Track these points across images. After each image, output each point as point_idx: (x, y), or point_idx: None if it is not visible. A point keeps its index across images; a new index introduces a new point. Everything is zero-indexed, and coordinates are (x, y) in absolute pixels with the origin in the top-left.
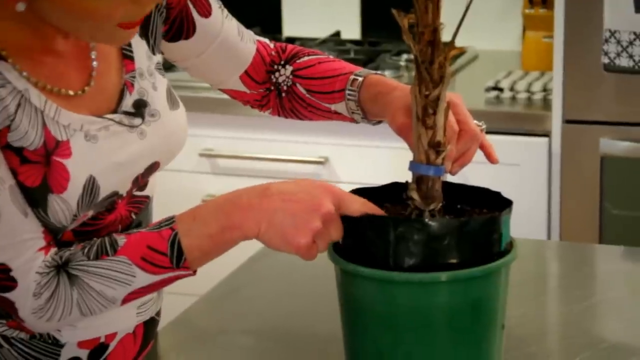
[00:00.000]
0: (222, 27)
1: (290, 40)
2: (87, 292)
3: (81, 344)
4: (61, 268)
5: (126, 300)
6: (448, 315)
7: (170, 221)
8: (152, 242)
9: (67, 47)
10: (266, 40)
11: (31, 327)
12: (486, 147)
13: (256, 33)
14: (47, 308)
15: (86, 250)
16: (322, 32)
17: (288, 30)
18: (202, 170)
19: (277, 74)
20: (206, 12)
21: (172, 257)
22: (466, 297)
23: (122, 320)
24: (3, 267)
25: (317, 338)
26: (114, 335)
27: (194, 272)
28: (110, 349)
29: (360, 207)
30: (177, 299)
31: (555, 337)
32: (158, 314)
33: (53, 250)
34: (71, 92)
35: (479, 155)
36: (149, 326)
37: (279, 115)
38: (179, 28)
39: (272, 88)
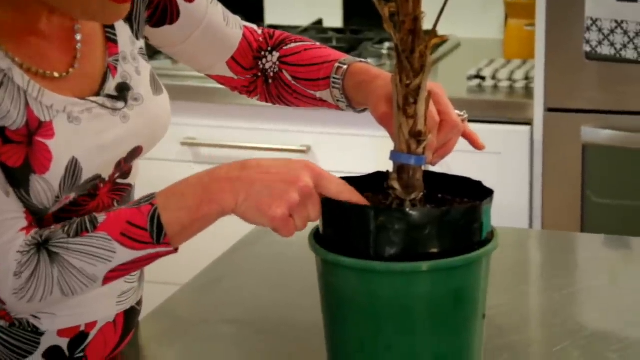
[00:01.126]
0: (206, 12)
1: (273, 28)
2: (68, 269)
3: (61, 332)
4: (41, 246)
5: (107, 278)
6: (429, 305)
7: (149, 197)
8: (131, 218)
9: (51, 28)
10: (254, 26)
11: (12, 309)
12: (470, 135)
13: None
14: (27, 288)
15: (66, 228)
16: (305, 21)
17: (270, 19)
18: (185, 159)
19: (264, 60)
20: None
21: (152, 231)
22: (447, 287)
23: (102, 309)
24: None
25: (298, 328)
26: (94, 324)
27: (176, 249)
28: (91, 337)
29: (338, 187)
30: (159, 288)
31: (536, 325)
32: (139, 303)
33: (34, 230)
34: (56, 74)
35: (460, 144)
36: (130, 315)
37: (266, 101)
38: (163, 13)
39: (260, 74)
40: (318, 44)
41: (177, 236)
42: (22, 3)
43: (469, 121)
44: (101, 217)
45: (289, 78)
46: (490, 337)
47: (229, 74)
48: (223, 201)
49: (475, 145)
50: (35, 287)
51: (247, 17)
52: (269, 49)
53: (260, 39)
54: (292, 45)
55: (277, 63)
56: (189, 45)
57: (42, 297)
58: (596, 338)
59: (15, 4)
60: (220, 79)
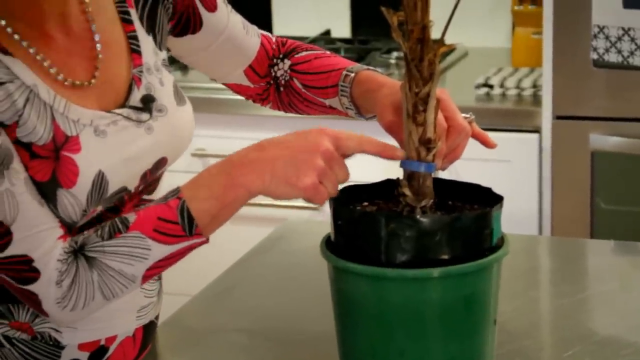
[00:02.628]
0: (228, 21)
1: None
2: (107, 272)
3: (82, 346)
4: (78, 252)
5: (146, 277)
6: (440, 311)
7: (175, 192)
8: (161, 213)
9: (68, 37)
10: (269, 35)
11: (56, 320)
12: (479, 135)
13: None
14: (69, 296)
15: (99, 232)
16: (313, 31)
17: (278, 30)
18: (195, 170)
19: (275, 68)
20: (212, 7)
21: (184, 224)
22: (458, 293)
23: (122, 324)
24: (25, 259)
25: (310, 336)
26: (114, 338)
27: (207, 239)
28: (110, 352)
29: (357, 141)
30: (171, 299)
31: (546, 331)
32: (157, 317)
33: (69, 238)
34: (78, 82)
35: (469, 151)
36: (148, 330)
37: (278, 109)
38: (186, 23)
39: (272, 82)
40: (328, 52)
41: (208, 226)
42: (28, 11)
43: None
44: (131, 217)
45: (299, 86)
46: (501, 343)
47: (245, 82)
48: (249, 183)
49: (486, 144)
50: (77, 294)
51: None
52: (281, 56)
53: (274, 46)
54: (303, 53)
55: (288, 71)
56: (210, 53)
57: (85, 304)
58: (606, 343)
59: (24, 15)
60: (235, 87)
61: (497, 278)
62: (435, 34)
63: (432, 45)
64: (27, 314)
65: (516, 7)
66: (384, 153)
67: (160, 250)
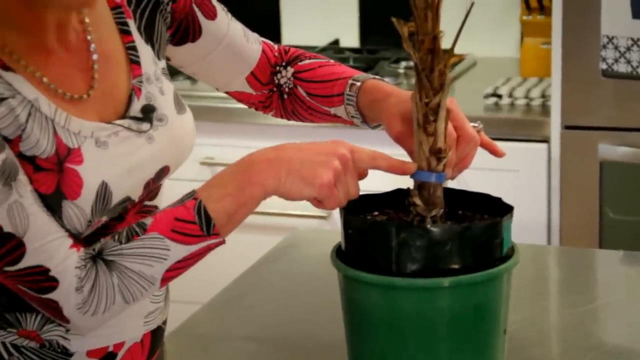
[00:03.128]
0: (227, 29)
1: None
2: (127, 274)
3: (90, 353)
4: (97, 257)
5: (165, 279)
6: (450, 321)
7: (191, 194)
8: (179, 214)
9: (67, 49)
10: (270, 42)
11: (77, 326)
12: (488, 145)
13: None
14: (90, 300)
15: (116, 237)
16: (321, 40)
17: (287, 39)
18: (204, 179)
19: (279, 76)
20: (212, 15)
21: (202, 224)
22: (468, 302)
23: (130, 330)
24: (41, 269)
25: (320, 344)
26: (122, 344)
27: (224, 240)
28: (119, 357)
29: (371, 156)
30: (181, 307)
31: (556, 341)
32: (164, 322)
33: (83, 247)
34: (76, 96)
35: (478, 161)
36: (156, 335)
37: (281, 117)
38: (185, 31)
39: (275, 89)
40: (332, 61)
41: (225, 225)
42: (36, 25)
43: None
44: (148, 220)
45: (304, 94)
46: (511, 352)
47: (247, 89)
48: (265, 181)
49: (495, 153)
50: (98, 298)
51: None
52: (284, 64)
53: (276, 53)
54: (307, 61)
55: (292, 79)
56: (210, 61)
57: (106, 308)
58: (616, 353)
59: (32, 27)
60: (238, 95)
61: (507, 288)
62: (444, 44)
63: (442, 55)
64: (35, 322)
65: (525, 17)
66: (394, 169)
67: (179, 251)
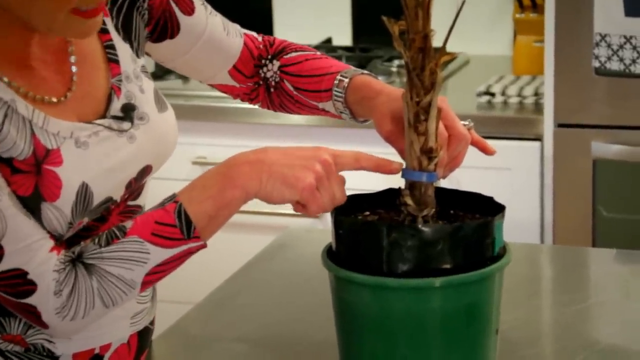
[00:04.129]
0: (206, 24)
1: None
2: (106, 278)
3: (76, 356)
4: (76, 261)
5: (145, 283)
6: (442, 321)
7: (171, 197)
8: (159, 218)
9: (45, 52)
10: (253, 34)
11: (57, 331)
12: (479, 143)
13: None
14: (69, 305)
15: (96, 240)
16: (314, 39)
17: (279, 37)
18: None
19: (264, 69)
20: (189, 10)
21: (182, 227)
22: (460, 302)
23: (116, 331)
24: (19, 272)
25: (311, 345)
26: (108, 346)
27: (205, 244)
28: (105, 359)
29: (354, 157)
30: (172, 307)
31: (549, 340)
32: (152, 323)
33: (63, 250)
34: (54, 99)
35: (470, 160)
36: (143, 336)
37: (268, 108)
38: (163, 28)
39: (261, 83)
40: (319, 53)
41: (205, 228)
42: (15, 30)
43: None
44: (129, 224)
45: (291, 88)
46: (503, 352)
47: (231, 82)
48: (246, 184)
49: (485, 151)
50: (77, 303)
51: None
52: (269, 57)
53: (261, 46)
54: (293, 54)
55: (278, 72)
56: (191, 57)
57: (85, 312)
58: (609, 352)
59: (10, 32)
60: (222, 88)
61: (499, 287)
62: (436, 42)
63: (433, 54)
64: (19, 326)
65: (518, 15)
66: (381, 168)
67: (159, 254)
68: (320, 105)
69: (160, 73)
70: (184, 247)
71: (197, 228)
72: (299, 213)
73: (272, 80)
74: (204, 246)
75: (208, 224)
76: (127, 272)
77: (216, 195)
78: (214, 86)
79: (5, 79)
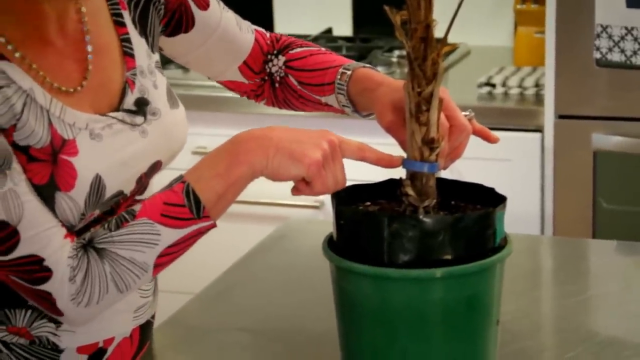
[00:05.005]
0: (220, 19)
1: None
2: (118, 262)
3: (80, 349)
4: (87, 246)
5: (157, 265)
6: (443, 312)
7: (178, 178)
8: (167, 198)
9: (63, 40)
10: (263, 30)
11: (71, 319)
12: (481, 132)
13: None
14: (83, 290)
15: (106, 225)
16: (314, 29)
17: (280, 27)
18: None
19: (270, 64)
20: (204, 5)
21: (191, 206)
22: (461, 293)
23: (119, 325)
24: (35, 259)
25: (312, 335)
26: (111, 339)
27: (215, 223)
28: (108, 353)
29: (358, 146)
30: (172, 297)
31: (549, 331)
32: (153, 317)
33: (75, 238)
34: (70, 89)
35: (471, 151)
36: (145, 329)
37: (272, 105)
38: (178, 22)
39: (267, 78)
40: (323, 49)
41: (214, 207)
42: (33, 15)
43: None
44: (137, 207)
45: (295, 82)
46: (503, 343)
47: (240, 78)
48: (253, 160)
49: (488, 139)
50: (91, 288)
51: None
52: (275, 52)
53: (268, 42)
54: (298, 50)
55: (283, 67)
56: (204, 52)
57: (99, 298)
58: (609, 344)
59: (28, 17)
60: (230, 84)
61: (500, 278)
62: (437, 33)
63: (435, 44)
64: (24, 319)
65: (519, 6)
66: (381, 161)
67: (169, 235)
68: (324, 99)
69: (161, 63)
70: (194, 227)
71: (206, 207)
72: (299, 204)
73: (277, 75)
74: (214, 225)
75: (217, 202)
76: (138, 255)
77: (223, 173)
78: (223, 83)
79: (26, 61)
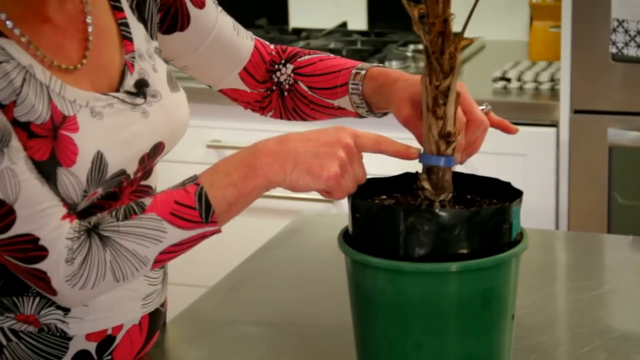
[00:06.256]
0: (216, 20)
1: (297, 31)
2: (120, 252)
3: (89, 337)
4: (92, 231)
5: (157, 261)
6: (458, 306)
7: (193, 178)
8: (179, 198)
9: (63, 19)
10: (265, 42)
11: (64, 298)
12: (499, 124)
13: (262, 24)
14: (80, 274)
15: (114, 213)
16: (329, 23)
17: (294, 21)
18: (210, 162)
19: (278, 74)
20: (200, 3)
21: (201, 210)
22: (476, 288)
23: (128, 312)
24: (30, 237)
25: (326, 328)
26: (120, 327)
27: (220, 229)
28: (118, 340)
29: (375, 140)
30: (186, 290)
31: (564, 326)
32: (163, 304)
33: (76, 220)
34: (71, 67)
35: (486, 145)
36: (155, 317)
37: (281, 117)
38: (174, 18)
39: (274, 88)
40: (332, 55)
41: (223, 214)
42: None
43: None
44: (148, 201)
45: (305, 89)
46: (519, 338)
47: (241, 86)
48: (270, 174)
49: (508, 130)
50: (88, 272)
51: (271, 21)
52: (283, 61)
53: (273, 52)
54: (306, 57)
55: (292, 75)
56: (200, 54)
57: (95, 283)
58: (624, 339)
59: None
60: (232, 93)
61: (516, 273)
62: (453, 27)
63: (453, 38)
64: (32, 306)
65: (534, 1)
66: (400, 154)
67: (175, 235)
68: (336, 102)
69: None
70: (200, 230)
71: (215, 213)
72: (312, 198)
73: (285, 83)
74: (219, 231)
75: (227, 210)
76: (141, 249)
77: (238, 183)
78: (224, 92)
79: (24, 39)
